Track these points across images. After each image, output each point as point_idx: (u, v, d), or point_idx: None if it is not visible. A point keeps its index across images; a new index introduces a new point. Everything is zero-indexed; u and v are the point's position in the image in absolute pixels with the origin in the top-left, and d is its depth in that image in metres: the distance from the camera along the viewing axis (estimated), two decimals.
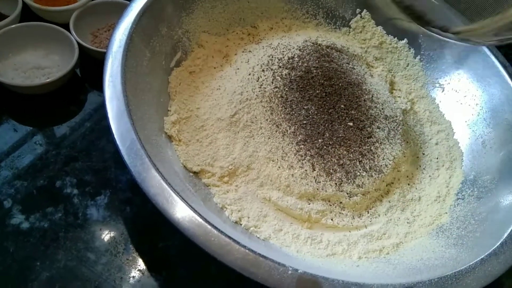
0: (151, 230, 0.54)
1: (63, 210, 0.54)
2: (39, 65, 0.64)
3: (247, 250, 0.41)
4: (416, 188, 0.60)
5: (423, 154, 0.64)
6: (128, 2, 0.57)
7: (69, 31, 0.65)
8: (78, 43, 0.64)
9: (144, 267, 0.51)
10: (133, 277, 0.51)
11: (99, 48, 0.66)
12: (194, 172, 0.54)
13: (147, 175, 0.43)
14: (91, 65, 0.68)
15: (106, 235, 0.53)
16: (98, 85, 0.66)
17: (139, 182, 0.43)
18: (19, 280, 0.49)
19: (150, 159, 0.44)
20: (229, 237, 0.41)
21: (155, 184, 0.43)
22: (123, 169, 0.58)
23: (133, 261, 0.52)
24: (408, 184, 0.60)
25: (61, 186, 0.56)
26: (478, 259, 0.46)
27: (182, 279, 0.52)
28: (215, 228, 0.42)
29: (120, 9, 0.55)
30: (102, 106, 0.63)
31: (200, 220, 0.42)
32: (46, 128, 0.62)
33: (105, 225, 0.54)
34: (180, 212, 0.42)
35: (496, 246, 0.47)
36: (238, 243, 0.41)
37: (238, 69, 0.63)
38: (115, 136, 0.44)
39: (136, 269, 0.51)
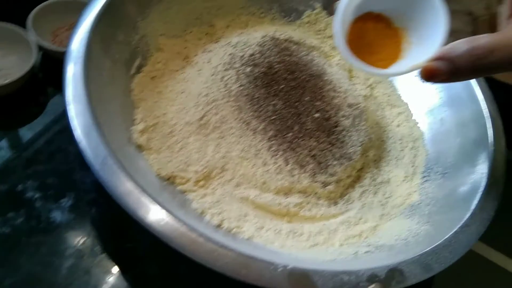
0: (118, 230, 0.53)
1: (25, 215, 0.52)
2: None
3: (235, 253, 0.41)
4: (384, 171, 0.62)
5: (387, 137, 0.66)
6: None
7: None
8: (38, 43, 0.61)
9: (112, 269, 0.50)
10: (101, 279, 0.50)
11: (60, 47, 0.64)
12: (169, 179, 0.53)
13: (125, 189, 0.42)
14: (52, 65, 0.65)
15: (71, 238, 0.52)
16: (60, 86, 0.64)
17: (117, 199, 0.41)
18: None
19: (126, 173, 0.42)
20: (216, 243, 0.41)
21: (134, 199, 0.41)
22: (88, 170, 0.57)
23: (100, 263, 0.51)
24: (377, 168, 0.62)
25: (22, 190, 0.54)
26: (452, 232, 0.48)
27: (151, 279, 0.51)
28: (200, 235, 0.41)
29: (82, 9, 0.53)
30: (65, 108, 0.62)
31: (184, 229, 0.41)
32: (7, 131, 0.59)
33: (70, 227, 0.52)
34: (162, 223, 0.41)
35: (466, 217, 0.49)
36: (225, 247, 0.41)
37: (200, 70, 0.62)
38: (86, 154, 0.42)
39: (104, 271, 0.50)
